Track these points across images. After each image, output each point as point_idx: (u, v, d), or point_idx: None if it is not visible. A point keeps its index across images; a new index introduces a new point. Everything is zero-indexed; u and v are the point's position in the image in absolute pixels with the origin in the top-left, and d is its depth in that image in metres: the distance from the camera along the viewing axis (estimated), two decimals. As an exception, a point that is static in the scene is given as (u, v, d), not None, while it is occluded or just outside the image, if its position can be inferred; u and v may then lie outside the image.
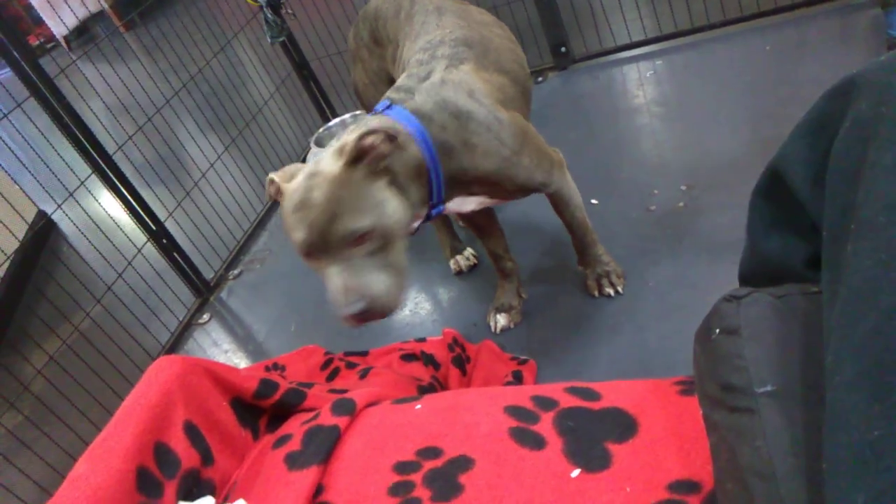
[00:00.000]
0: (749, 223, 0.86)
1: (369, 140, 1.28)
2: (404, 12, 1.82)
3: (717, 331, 0.73)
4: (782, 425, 0.65)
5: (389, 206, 1.32)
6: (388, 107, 1.44)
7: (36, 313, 2.31)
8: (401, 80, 1.56)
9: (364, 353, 1.98)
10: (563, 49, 2.92)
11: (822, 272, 0.67)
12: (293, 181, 1.32)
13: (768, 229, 0.83)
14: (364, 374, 1.73)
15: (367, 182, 1.30)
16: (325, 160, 1.30)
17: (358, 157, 1.28)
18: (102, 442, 0.95)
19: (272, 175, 1.38)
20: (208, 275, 2.67)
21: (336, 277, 1.26)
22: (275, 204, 3.02)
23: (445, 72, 1.52)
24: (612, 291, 1.85)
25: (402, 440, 0.96)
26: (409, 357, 1.86)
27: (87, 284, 2.30)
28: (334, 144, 1.34)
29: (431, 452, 0.93)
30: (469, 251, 2.22)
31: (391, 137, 1.30)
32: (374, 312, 1.26)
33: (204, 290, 2.63)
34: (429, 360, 1.81)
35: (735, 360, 0.70)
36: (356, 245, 1.26)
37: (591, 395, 0.96)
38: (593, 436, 0.87)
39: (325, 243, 1.25)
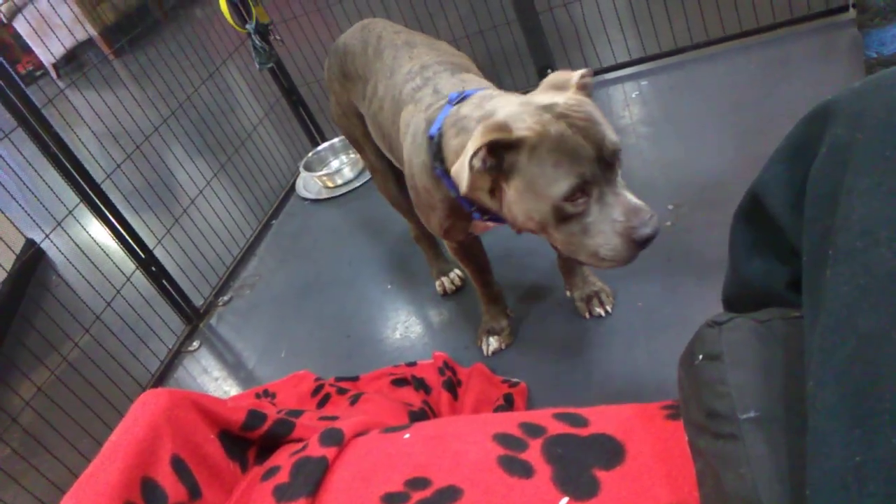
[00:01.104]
0: (731, 246, 0.87)
1: (588, 79, 1.32)
2: (371, 48, 1.81)
3: (700, 356, 0.74)
4: (766, 452, 0.65)
5: None
6: (461, 96, 1.44)
7: (24, 343, 2.29)
8: (422, 100, 1.54)
9: (355, 379, 1.97)
10: (549, 71, 2.94)
11: (803, 297, 0.67)
12: (527, 123, 1.24)
13: (750, 252, 0.84)
14: (355, 400, 1.72)
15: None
16: (548, 98, 1.29)
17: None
18: (89, 478, 0.94)
19: (488, 137, 1.24)
20: (198, 302, 2.66)
21: (621, 192, 1.25)
22: (264, 229, 3.03)
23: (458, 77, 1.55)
24: (601, 311, 1.86)
25: (390, 470, 0.96)
26: (399, 382, 1.85)
27: (75, 314, 2.29)
28: (537, 92, 1.35)
29: (420, 483, 0.92)
30: (455, 273, 2.22)
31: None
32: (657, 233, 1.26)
33: (193, 317, 2.62)
34: (419, 385, 1.81)
35: (718, 386, 0.70)
36: (618, 162, 1.26)
37: (579, 420, 0.96)
38: (581, 463, 0.87)
39: (602, 158, 1.23)
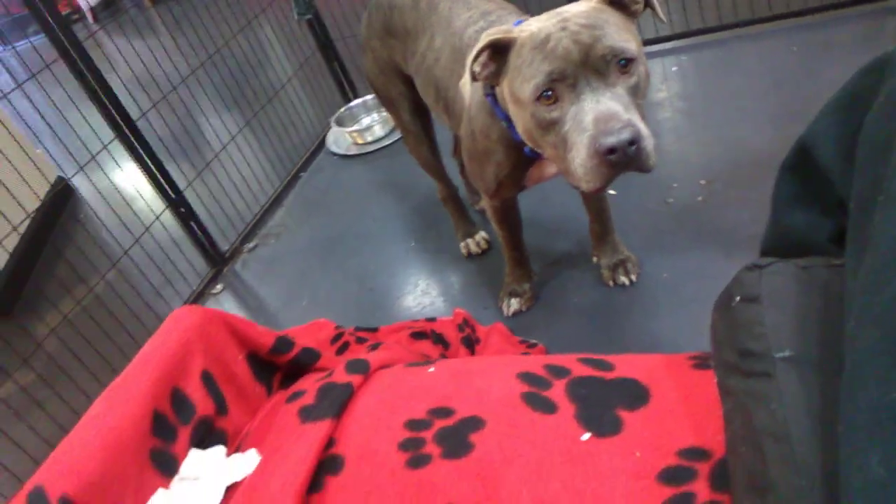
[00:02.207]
0: (774, 197, 0.86)
1: None
2: (425, 1, 1.76)
3: (738, 298, 0.74)
4: (799, 389, 0.65)
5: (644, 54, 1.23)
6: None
7: (53, 273, 2.33)
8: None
9: (374, 330, 1.98)
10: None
11: (847, 242, 0.67)
12: (529, 27, 1.21)
13: (793, 204, 0.83)
14: (373, 349, 1.74)
15: (625, 19, 1.24)
16: (572, 7, 1.23)
17: (611, 2, 1.23)
18: (121, 384, 0.96)
19: (489, 37, 1.22)
20: (223, 246, 2.69)
21: (603, 100, 1.14)
22: (293, 181, 3.04)
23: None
24: (626, 281, 1.85)
25: (414, 400, 0.97)
26: (418, 335, 1.87)
27: (104, 248, 2.32)
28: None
29: (443, 412, 0.94)
30: (481, 235, 2.22)
31: (647, 2, 1.25)
32: (641, 150, 1.12)
33: (218, 261, 2.65)
34: (438, 339, 1.82)
35: (754, 326, 0.71)
36: (620, 73, 1.16)
37: (605, 365, 0.96)
38: (605, 403, 0.88)
39: (588, 62, 1.14)
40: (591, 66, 1.15)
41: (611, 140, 1.09)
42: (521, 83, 1.21)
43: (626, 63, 1.16)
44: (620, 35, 1.17)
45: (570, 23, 1.18)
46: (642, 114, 1.20)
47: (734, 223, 1.89)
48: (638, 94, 1.20)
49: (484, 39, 1.23)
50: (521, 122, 1.28)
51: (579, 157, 1.15)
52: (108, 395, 0.95)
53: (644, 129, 1.14)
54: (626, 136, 1.09)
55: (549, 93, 1.17)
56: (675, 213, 2.02)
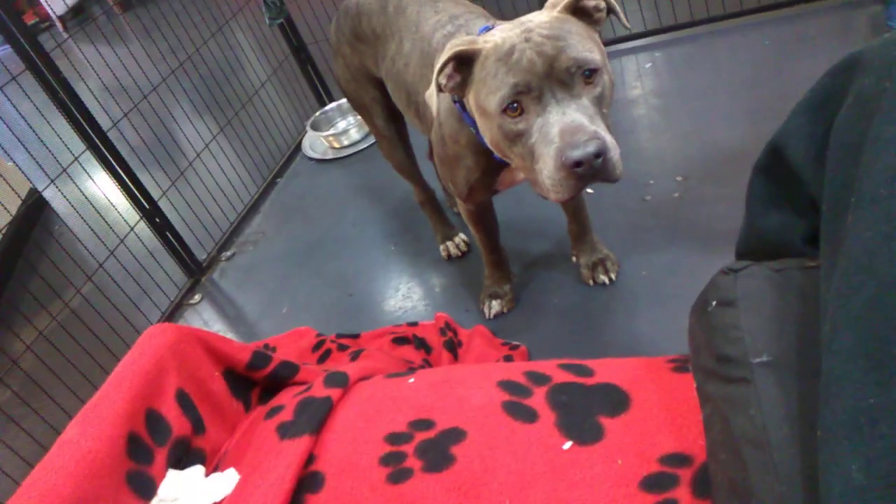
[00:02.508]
0: (748, 199, 0.86)
1: (592, 2, 1.24)
2: (392, 6, 1.75)
3: (714, 303, 0.74)
4: (777, 395, 0.65)
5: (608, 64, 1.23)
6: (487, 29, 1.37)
7: (27, 289, 2.29)
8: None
9: (356, 336, 1.97)
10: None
11: (820, 245, 0.67)
12: (493, 38, 1.21)
13: (767, 205, 0.83)
14: (355, 357, 1.73)
15: (588, 28, 1.23)
16: (534, 16, 1.24)
17: (574, 10, 1.23)
18: (94, 407, 0.94)
19: (454, 49, 1.22)
20: (201, 255, 2.66)
21: (568, 112, 1.13)
22: (269, 187, 3.02)
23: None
24: (606, 279, 1.86)
25: (394, 412, 0.96)
26: (400, 340, 1.86)
27: (78, 262, 2.29)
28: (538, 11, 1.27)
29: (424, 424, 0.93)
30: (460, 237, 2.21)
31: (609, 8, 1.25)
32: (608, 162, 1.12)
33: (196, 271, 2.62)
34: (420, 344, 1.82)
35: (731, 331, 0.70)
36: (585, 84, 1.16)
37: (584, 370, 0.96)
38: (586, 410, 0.87)
39: (553, 74, 1.14)
40: (555, 77, 1.15)
41: (577, 153, 1.10)
42: (486, 95, 1.21)
43: (590, 73, 1.17)
44: (584, 45, 1.18)
45: (533, 34, 1.17)
46: (607, 123, 1.21)
47: (711, 219, 1.89)
48: (603, 103, 1.20)
49: (448, 51, 1.22)
50: (489, 133, 1.28)
51: (546, 168, 1.15)
52: (81, 419, 0.93)
53: (610, 141, 1.15)
54: (591, 148, 1.10)
55: (515, 105, 1.17)
56: (652, 211, 2.02)
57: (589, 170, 1.12)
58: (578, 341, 1.75)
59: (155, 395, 0.98)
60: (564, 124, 1.13)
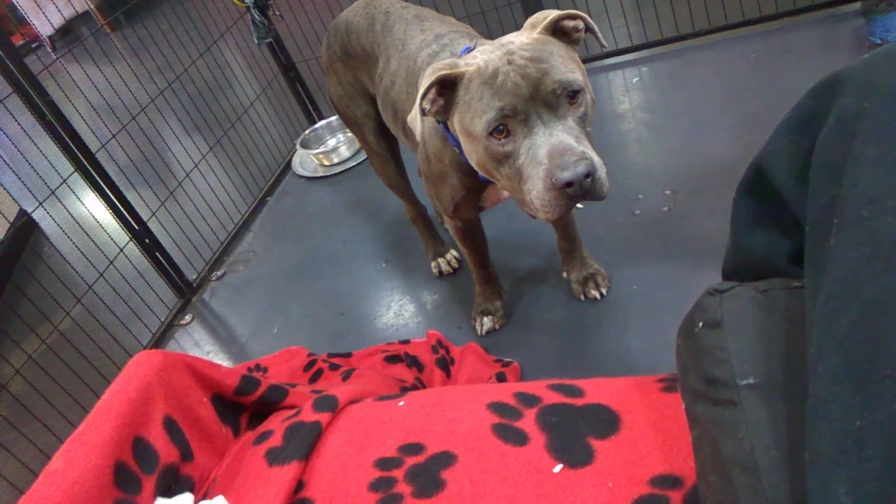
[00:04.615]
0: (733, 219, 0.86)
1: (571, 23, 1.25)
2: (380, 24, 1.76)
3: (700, 324, 0.73)
4: (765, 417, 0.65)
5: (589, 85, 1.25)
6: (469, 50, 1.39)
7: (16, 312, 2.27)
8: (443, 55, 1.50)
9: (347, 355, 1.97)
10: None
11: (805, 266, 0.67)
12: (475, 60, 1.22)
13: (752, 225, 0.83)
14: (347, 376, 1.72)
15: (568, 48, 1.25)
16: (514, 37, 1.25)
17: (554, 30, 1.25)
18: (80, 436, 0.93)
19: (436, 74, 1.23)
20: (191, 276, 2.65)
21: (555, 133, 1.15)
22: (259, 205, 3.01)
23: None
24: (597, 294, 1.86)
25: (383, 436, 0.96)
26: (392, 359, 1.85)
27: (68, 284, 2.27)
28: (517, 32, 1.28)
29: (413, 448, 0.92)
30: (451, 254, 2.21)
31: (588, 27, 1.26)
32: (596, 181, 1.14)
33: (186, 291, 2.61)
34: (412, 362, 1.81)
35: (718, 352, 0.70)
36: (569, 105, 1.17)
37: (574, 391, 0.96)
38: (576, 431, 0.87)
39: (538, 96, 1.15)
40: (540, 99, 1.17)
41: (567, 175, 1.12)
42: (471, 118, 1.22)
43: (574, 94, 1.18)
44: (566, 66, 1.19)
45: (515, 56, 1.19)
46: (591, 142, 1.23)
47: (700, 232, 1.90)
48: (586, 122, 1.22)
49: (430, 76, 1.23)
50: (475, 156, 1.29)
51: (536, 189, 1.17)
52: (67, 448, 0.92)
53: (597, 160, 1.17)
54: (581, 169, 1.12)
55: (501, 128, 1.19)
56: (642, 225, 2.03)
57: (579, 190, 1.13)
58: (571, 356, 1.75)
59: (142, 422, 0.97)
60: (552, 146, 1.14)
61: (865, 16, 2.13)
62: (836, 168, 0.67)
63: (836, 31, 2.44)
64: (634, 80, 2.71)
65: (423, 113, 1.27)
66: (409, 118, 1.29)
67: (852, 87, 0.70)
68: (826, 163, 0.69)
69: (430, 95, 1.25)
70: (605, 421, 0.88)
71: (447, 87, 1.26)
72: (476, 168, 1.34)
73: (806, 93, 0.77)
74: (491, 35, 1.46)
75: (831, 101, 0.72)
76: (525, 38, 1.24)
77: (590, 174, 1.13)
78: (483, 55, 1.23)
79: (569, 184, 1.12)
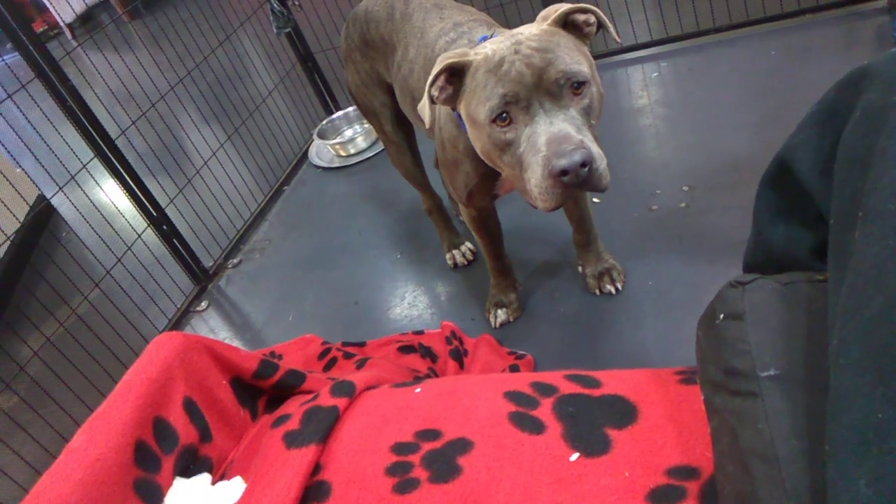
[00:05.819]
0: (755, 212, 0.86)
1: (583, 17, 1.26)
2: (399, 13, 1.77)
3: (722, 316, 0.74)
4: (785, 409, 0.65)
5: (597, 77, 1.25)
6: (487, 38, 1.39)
7: (34, 295, 2.30)
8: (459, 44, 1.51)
9: (361, 344, 1.98)
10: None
11: (828, 259, 0.67)
12: (484, 50, 1.23)
13: (774, 218, 0.83)
14: (361, 365, 1.73)
15: (577, 41, 1.26)
16: (524, 28, 1.26)
17: (565, 23, 1.26)
18: (101, 414, 0.95)
19: (445, 62, 1.24)
20: (207, 263, 2.67)
21: (556, 122, 1.16)
22: (276, 195, 3.03)
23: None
24: (612, 289, 1.85)
25: (401, 422, 0.96)
26: (406, 349, 1.86)
27: (86, 269, 2.30)
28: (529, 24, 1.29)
29: (430, 434, 0.93)
30: (466, 246, 2.22)
31: (600, 23, 1.27)
32: (594, 171, 1.14)
33: (202, 278, 2.63)
34: (426, 353, 1.81)
35: (739, 344, 0.70)
36: (573, 95, 1.18)
37: (591, 382, 0.96)
38: (593, 421, 0.87)
39: (541, 85, 1.16)
40: (544, 88, 1.18)
41: (563, 162, 1.12)
42: (476, 105, 1.23)
43: (578, 86, 1.19)
44: (572, 57, 1.20)
45: (522, 46, 1.20)
46: (595, 135, 1.23)
47: (718, 228, 1.89)
48: (591, 114, 1.22)
49: (439, 64, 1.25)
50: (479, 143, 1.30)
51: (534, 177, 1.18)
52: (88, 427, 0.94)
53: (596, 151, 1.17)
54: (577, 157, 1.12)
55: (504, 115, 1.20)
56: (658, 220, 2.02)
57: (575, 179, 1.14)
58: (584, 351, 1.75)
59: (162, 403, 0.99)
60: (551, 133, 1.15)
61: (891, 12, 2.11)
62: (861, 161, 0.67)
63: (859, 28, 2.42)
64: (653, 75, 2.70)
65: (432, 100, 1.28)
66: (419, 106, 1.31)
67: (879, 80, 0.70)
68: (851, 156, 0.69)
69: (439, 83, 1.27)
70: (622, 411, 0.88)
71: (456, 74, 1.28)
72: (482, 156, 1.35)
73: (832, 86, 0.77)
74: (509, 27, 1.47)
75: (857, 94, 0.72)
76: (535, 29, 1.25)
77: (586, 163, 1.13)
78: (492, 45, 1.24)
79: (564, 171, 1.13)
